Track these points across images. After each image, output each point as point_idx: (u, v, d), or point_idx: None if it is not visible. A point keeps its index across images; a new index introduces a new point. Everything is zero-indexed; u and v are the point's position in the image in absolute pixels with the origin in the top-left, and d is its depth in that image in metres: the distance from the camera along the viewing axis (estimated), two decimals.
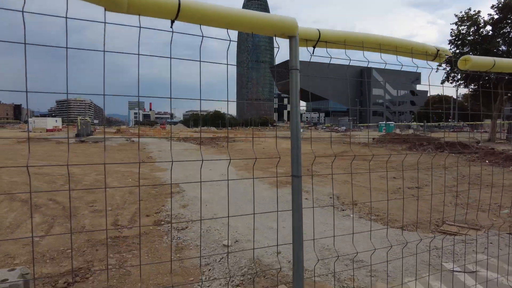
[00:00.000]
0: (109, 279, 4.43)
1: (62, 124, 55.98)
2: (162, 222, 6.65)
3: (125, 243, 5.72)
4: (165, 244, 5.60)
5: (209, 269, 4.54)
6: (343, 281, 3.84)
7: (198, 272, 4.48)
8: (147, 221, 6.78)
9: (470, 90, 32.49)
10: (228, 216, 1.91)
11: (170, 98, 1.59)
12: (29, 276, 2.47)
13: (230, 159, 2.12)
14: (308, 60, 1.92)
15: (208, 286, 4.02)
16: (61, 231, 6.33)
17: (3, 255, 5.01)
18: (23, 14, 1.29)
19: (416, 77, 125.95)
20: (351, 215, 7.17)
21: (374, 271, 4.14)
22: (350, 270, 4.08)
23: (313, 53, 1.91)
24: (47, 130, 41.92)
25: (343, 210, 7.53)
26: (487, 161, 15.26)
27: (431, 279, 3.94)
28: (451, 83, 30.98)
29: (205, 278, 4.28)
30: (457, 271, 4.17)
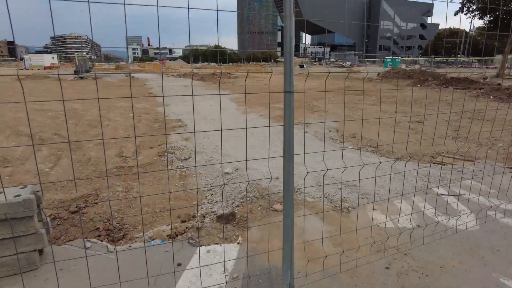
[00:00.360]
0: (116, 204, 4.72)
1: (60, 62, 54.59)
2: (166, 153, 6.85)
3: (131, 172, 5.98)
4: (169, 173, 5.86)
5: (211, 194, 4.81)
6: (335, 202, 4.09)
7: (202, 196, 4.75)
8: (151, 153, 6.98)
9: (485, 22, 30.78)
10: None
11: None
12: (40, 194, 2.65)
13: (220, 94, 2.13)
14: None
15: (210, 208, 4.29)
16: (68, 163, 6.57)
17: (16, 183, 5.29)
18: None
19: (428, 9, 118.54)
20: (350, 147, 7.34)
21: (366, 194, 4.39)
22: (343, 191, 4.32)
23: None
24: (45, 68, 41.00)
25: (341, 142, 7.69)
26: (491, 97, 15.06)
27: (418, 200, 4.19)
28: (465, 14, 29.23)
29: (208, 202, 4.55)
30: (443, 194, 4.41)
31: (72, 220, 4.40)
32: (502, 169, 5.53)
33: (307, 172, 2.09)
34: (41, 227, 2.67)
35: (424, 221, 3.62)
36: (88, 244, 3.04)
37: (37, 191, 2.63)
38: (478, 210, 3.86)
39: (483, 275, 2.83)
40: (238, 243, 3.16)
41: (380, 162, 5.17)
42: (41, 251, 2.78)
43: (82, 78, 26.84)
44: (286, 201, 1.95)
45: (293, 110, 1.74)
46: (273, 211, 3.90)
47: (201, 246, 3.10)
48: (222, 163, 5.97)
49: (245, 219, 3.61)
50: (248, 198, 4.26)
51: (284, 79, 1.68)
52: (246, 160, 2.55)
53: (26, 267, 2.63)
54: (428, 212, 3.94)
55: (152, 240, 3.49)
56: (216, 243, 3.17)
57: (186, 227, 3.84)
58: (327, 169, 2.39)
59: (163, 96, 2.22)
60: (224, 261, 2.78)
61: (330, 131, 8.87)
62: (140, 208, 4.45)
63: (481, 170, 5.39)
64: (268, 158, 2.21)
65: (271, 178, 2.25)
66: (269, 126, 1.94)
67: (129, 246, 3.16)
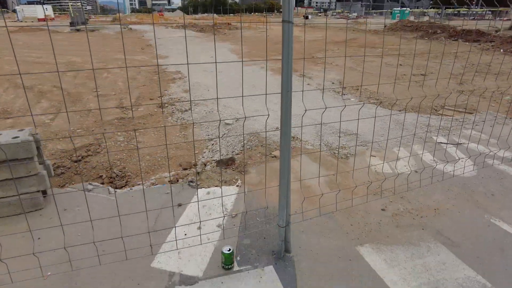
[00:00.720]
0: (118, 153, 4.77)
1: (54, 13, 52.47)
2: (166, 105, 6.80)
3: (131, 123, 5.99)
4: (169, 124, 5.86)
5: (212, 144, 4.84)
6: (334, 149, 4.11)
7: (203, 146, 4.79)
8: (152, 103, 6.93)
9: None
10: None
11: None
12: (38, 136, 2.66)
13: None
14: None
15: (211, 157, 4.33)
16: (69, 114, 6.56)
17: None
18: None
19: None
20: (352, 99, 7.24)
21: (366, 142, 4.39)
22: (342, 139, 4.33)
23: None
24: (39, 20, 39.49)
25: (344, 94, 7.57)
26: (501, 50, 14.53)
27: (417, 148, 4.20)
28: None
29: (209, 151, 4.59)
30: (442, 142, 4.41)
31: (75, 168, 4.48)
32: (504, 119, 5.48)
33: (305, 110, 2.06)
34: (42, 169, 2.71)
35: (422, 166, 3.66)
36: (89, 187, 3.11)
37: (36, 134, 2.63)
38: (476, 156, 3.88)
39: (475, 217, 2.91)
40: (237, 186, 3.23)
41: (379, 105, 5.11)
42: (44, 193, 2.86)
43: (78, 30, 25.96)
44: (283, 132, 1.94)
45: (292, 43, 1.66)
46: (272, 157, 3.94)
47: (201, 188, 3.17)
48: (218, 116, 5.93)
49: (245, 164, 3.66)
50: (248, 146, 4.29)
51: (283, 8, 1.59)
52: (242, 97, 2.50)
53: (31, 208, 2.72)
54: (426, 158, 3.96)
55: (153, 186, 3.57)
56: (216, 186, 3.24)
57: (187, 174, 3.91)
58: (326, 107, 2.36)
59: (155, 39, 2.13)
60: (222, 197, 2.86)
61: (333, 83, 8.71)
62: (141, 157, 4.50)
63: (483, 121, 5.34)
64: (265, 94, 2.17)
65: (268, 115, 2.23)
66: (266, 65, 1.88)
67: (130, 189, 3.24)
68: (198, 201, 2.41)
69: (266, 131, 4.42)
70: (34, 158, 2.54)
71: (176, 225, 2.63)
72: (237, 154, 4.13)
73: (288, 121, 1.87)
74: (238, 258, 2.33)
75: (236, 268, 2.24)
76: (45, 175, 2.66)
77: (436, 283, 2.17)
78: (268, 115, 2.29)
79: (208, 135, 5.27)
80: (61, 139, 5.34)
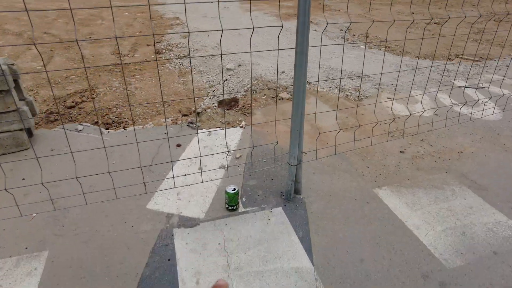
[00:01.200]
0: (114, 99, 4.47)
1: None
2: (164, 51, 6.38)
3: (127, 69, 5.62)
4: (167, 70, 5.49)
5: (213, 90, 4.50)
6: (347, 91, 3.77)
7: (203, 93, 4.46)
8: (148, 50, 6.51)
9: None
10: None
11: None
12: (15, 68, 2.34)
13: None
14: None
15: (213, 103, 4.02)
16: (61, 60, 6.18)
17: None
18: None
19: None
20: (361, 46, 6.74)
21: (381, 85, 4.04)
22: (355, 82, 3.97)
23: None
24: None
25: (353, 42, 7.05)
26: None
27: (436, 91, 3.85)
28: None
29: (210, 97, 4.27)
30: (463, 86, 4.05)
31: (70, 115, 4.21)
32: None
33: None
34: (23, 106, 2.42)
35: (442, 108, 3.34)
36: (79, 127, 2.84)
37: (12, 64, 2.31)
38: (498, 98, 3.54)
39: (503, 160, 2.64)
40: (241, 127, 2.94)
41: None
42: (30, 133, 2.59)
43: None
44: (299, 51, 1.62)
45: None
46: (279, 99, 3.61)
47: (201, 129, 2.90)
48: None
49: (249, 105, 3.35)
50: (252, 91, 3.95)
51: None
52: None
53: (15, 148, 2.47)
54: (446, 101, 3.63)
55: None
56: (218, 127, 2.96)
57: (187, 120, 3.63)
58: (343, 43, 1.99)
59: None
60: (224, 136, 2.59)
61: (341, 30, 8.12)
62: (138, 103, 4.20)
63: (506, 65, 4.93)
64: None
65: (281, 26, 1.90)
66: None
67: (124, 129, 2.97)
68: (198, 141, 2.14)
69: (278, 48, 4.05)
70: (11, 92, 2.24)
71: (175, 165, 2.38)
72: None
73: (305, 38, 1.54)
74: (244, 199, 2.10)
75: (241, 209, 2.02)
76: (27, 111, 2.37)
77: (463, 228, 1.95)
78: (282, 26, 1.94)
79: (209, 81, 4.92)
80: (53, 85, 5.03)
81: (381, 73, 2.17)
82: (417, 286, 1.60)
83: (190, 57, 1.95)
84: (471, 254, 1.78)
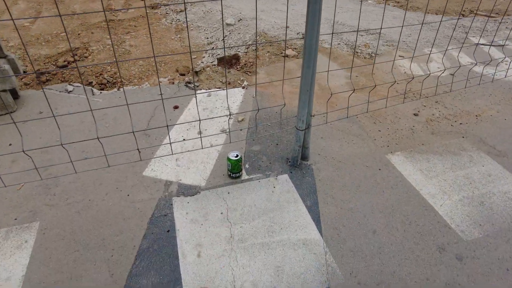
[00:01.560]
0: (108, 58, 4.22)
1: None
2: (159, 5, 5.97)
3: (121, 26, 5.28)
4: (163, 26, 5.15)
5: (212, 48, 4.23)
6: (356, 47, 3.50)
7: (202, 51, 4.18)
8: (142, 5, 6.09)
9: None
10: None
11: None
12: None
13: None
14: None
15: (212, 62, 3.77)
16: (50, 17, 5.80)
17: None
18: None
19: None
20: (369, 1, 6.29)
21: (392, 41, 3.75)
22: (364, 38, 3.69)
23: None
24: None
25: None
26: None
27: (451, 49, 3.58)
28: None
29: (208, 55, 4.00)
30: (480, 44, 3.77)
31: (62, 74, 3.98)
32: None
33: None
34: (4, 64, 2.21)
35: (459, 70, 3.11)
36: (69, 88, 2.64)
37: None
38: None
39: None
40: (243, 87, 2.73)
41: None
42: (15, 94, 2.40)
43: None
44: (311, 7, 1.39)
45: None
46: (284, 56, 3.36)
47: (200, 89, 2.70)
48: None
49: (251, 64, 3.11)
50: (253, 48, 3.68)
51: None
52: None
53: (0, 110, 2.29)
54: (463, 60, 3.39)
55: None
56: (218, 88, 2.75)
57: (185, 79, 3.41)
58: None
59: None
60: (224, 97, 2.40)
61: None
62: (133, 62, 3.94)
63: None
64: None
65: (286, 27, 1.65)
66: None
67: (117, 89, 2.77)
68: (197, 102, 1.96)
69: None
70: None
71: (172, 129, 2.22)
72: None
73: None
74: (247, 166, 1.96)
75: (244, 176, 1.89)
76: (7, 70, 2.17)
77: (481, 197, 1.83)
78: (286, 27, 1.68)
79: (208, 38, 4.62)
80: (43, 43, 4.73)
81: (395, 28, 1.93)
82: (433, 260, 1.50)
83: (185, 11, 1.71)
84: (490, 226, 1.67)
